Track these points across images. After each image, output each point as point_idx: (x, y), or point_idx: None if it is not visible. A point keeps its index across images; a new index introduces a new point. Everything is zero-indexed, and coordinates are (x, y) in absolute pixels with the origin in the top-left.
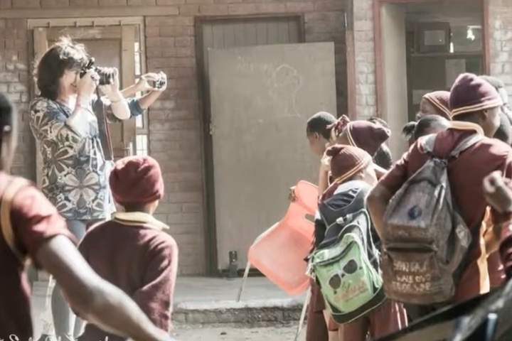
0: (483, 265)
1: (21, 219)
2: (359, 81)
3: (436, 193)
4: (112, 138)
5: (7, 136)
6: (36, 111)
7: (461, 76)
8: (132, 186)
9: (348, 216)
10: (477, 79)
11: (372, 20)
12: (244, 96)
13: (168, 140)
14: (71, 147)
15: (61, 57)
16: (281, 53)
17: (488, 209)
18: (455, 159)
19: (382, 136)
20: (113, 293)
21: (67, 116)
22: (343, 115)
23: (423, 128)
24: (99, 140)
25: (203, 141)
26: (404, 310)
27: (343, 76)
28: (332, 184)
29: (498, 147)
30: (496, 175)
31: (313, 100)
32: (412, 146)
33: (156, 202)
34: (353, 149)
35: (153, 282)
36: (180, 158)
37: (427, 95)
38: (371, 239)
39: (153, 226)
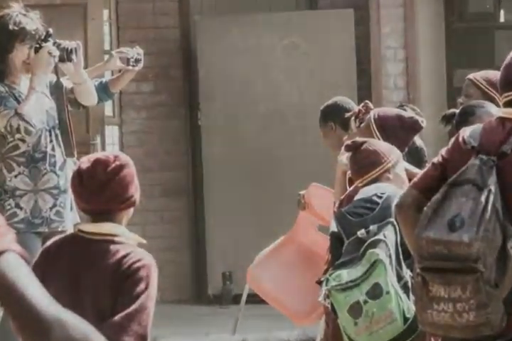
0: None
1: None
2: (386, 58)
3: (482, 199)
4: (75, 130)
5: None
6: None
7: None
8: (100, 190)
9: (372, 227)
10: None
11: None
12: (242, 78)
13: (145, 132)
14: (23, 141)
15: (11, 27)
16: (288, 23)
17: None
18: (506, 156)
19: (414, 127)
20: (76, 324)
21: (19, 102)
22: (366, 101)
23: (466, 116)
24: (58, 132)
25: (188, 133)
26: None
27: (366, 52)
28: (352, 187)
29: None
30: None
31: (328, 82)
32: (452, 140)
33: (131, 211)
34: (378, 143)
35: (127, 311)
36: (160, 154)
37: (472, 76)
38: (401, 257)
39: (127, 240)
